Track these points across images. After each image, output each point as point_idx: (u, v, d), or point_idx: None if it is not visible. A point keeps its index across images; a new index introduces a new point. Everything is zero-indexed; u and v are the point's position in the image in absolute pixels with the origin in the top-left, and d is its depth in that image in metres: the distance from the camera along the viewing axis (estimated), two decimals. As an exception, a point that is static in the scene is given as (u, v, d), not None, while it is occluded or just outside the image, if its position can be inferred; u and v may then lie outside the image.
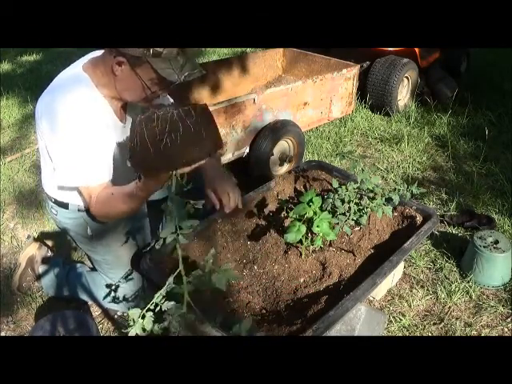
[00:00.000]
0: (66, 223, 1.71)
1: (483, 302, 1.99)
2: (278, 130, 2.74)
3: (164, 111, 1.10)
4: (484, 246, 2.06)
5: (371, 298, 1.98)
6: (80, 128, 1.43)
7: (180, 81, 1.41)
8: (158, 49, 1.35)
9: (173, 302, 1.12)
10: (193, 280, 1.09)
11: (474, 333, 1.86)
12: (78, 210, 1.65)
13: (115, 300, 1.86)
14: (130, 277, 1.82)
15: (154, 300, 1.12)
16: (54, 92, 1.48)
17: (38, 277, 2.04)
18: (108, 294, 1.86)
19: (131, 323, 1.11)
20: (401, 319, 1.89)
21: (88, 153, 1.45)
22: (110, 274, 1.83)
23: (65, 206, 1.66)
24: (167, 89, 1.51)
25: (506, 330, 1.87)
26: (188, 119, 1.11)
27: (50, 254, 2.12)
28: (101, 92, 1.51)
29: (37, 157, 3.22)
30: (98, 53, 1.57)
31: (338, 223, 1.75)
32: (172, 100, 1.75)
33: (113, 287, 1.84)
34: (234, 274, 1.14)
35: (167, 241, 1.07)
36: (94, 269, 1.93)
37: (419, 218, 1.90)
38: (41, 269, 2.04)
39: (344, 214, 1.76)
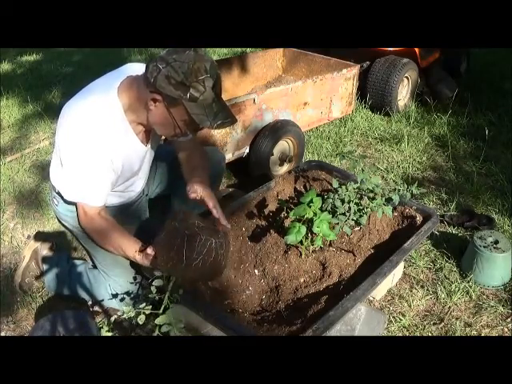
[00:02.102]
0: (65, 215, 1.72)
1: (483, 302, 1.99)
2: (277, 129, 2.74)
3: (206, 237, 1.37)
4: (484, 246, 2.06)
5: (371, 298, 1.98)
6: (92, 151, 1.48)
7: (212, 128, 1.45)
8: (194, 94, 1.38)
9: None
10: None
11: (474, 333, 1.86)
12: None
13: (115, 299, 1.86)
14: (128, 274, 1.82)
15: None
16: (83, 105, 1.51)
17: (42, 271, 2.04)
18: (108, 293, 1.86)
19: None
20: (401, 319, 1.89)
21: (92, 175, 1.51)
22: (108, 271, 1.82)
23: None
24: (196, 131, 1.56)
25: (506, 329, 1.87)
26: (220, 251, 1.40)
27: (53, 248, 2.11)
28: (128, 117, 1.53)
29: (37, 157, 3.22)
30: (136, 68, 1.58)
31: (337, 223, 1.75)
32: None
33: (113, 286, 1.84)
34: None
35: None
36: (95, 266, 1.93)
37: (419, 218, 1.90)
38: (44, 264, 2.04)
39: (344, 214, 1.76)
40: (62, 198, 1.68)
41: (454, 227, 2.45)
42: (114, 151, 1.53)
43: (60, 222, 1.82)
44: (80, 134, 1.48)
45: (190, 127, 1.49)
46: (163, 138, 1.84)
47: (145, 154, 1.70)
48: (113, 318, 1.57)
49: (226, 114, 1.47)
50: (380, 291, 1.99)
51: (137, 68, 1.59)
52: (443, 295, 2.02)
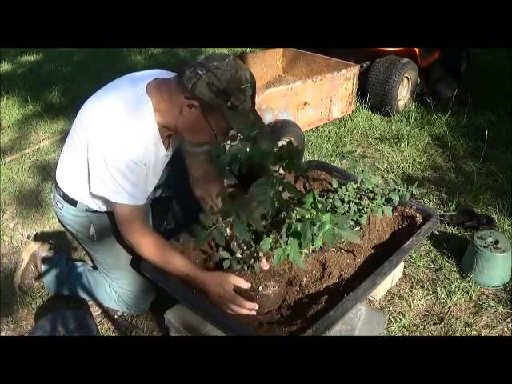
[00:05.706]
0: (70, 220, 1.71)
1: (483, 302, 1.99)
2: (278, 129, 2.74)
3: None
4: (484, 246, 2.06)
5: (371, 298, 1.98)
6: (130, 153, 1.44)
7: (249, 137, 1.47)
8: (235, 102, 1.37)
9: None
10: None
11: (474, 333, 1.86)
12: (86, 210, 1.65)
13: (115, 300, 1.86)
14: (130, 277, 1.82)
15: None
16: (114, 105, 1.46)
17: (41, 273, 2.04)
18: (108, 294, 1.86)
19: None
20: (401, 319, 1.89)
21: (132, 176, 1.46)
22: (110, 274, 1.82)
23: (73, 203, 1.65)
24: (226, 138, 1.54)
25: (506, 329, 1.87)
26: None
27: (52, 249, 2.11)
28: (156, 118, 1.49)
29: (37, 157, 3.22)
30: (164, 73, 1.55)
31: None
32: None
33: (115, 288, 1.84)
34: None
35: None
36: (95, 267, 1.93)
37: (419, 218, 1.90)
38: (43, 265, 2.04)
39: (344, 214, 1.76)
40: (66, 201, 1.66)
41: (454, 227, 2.45)
42: (148, 153, 1.50)
43: (63, 225, 1.80)
44: (117, 135, 1.43)
45: (224, 134, 1.48)
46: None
47: (166, 159, 1.66)
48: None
49: (260, 124, 1.48)
50: (380, 291, 1.99)
51: (160, 73, 1.57)
52: (443, 295, 2.02)
